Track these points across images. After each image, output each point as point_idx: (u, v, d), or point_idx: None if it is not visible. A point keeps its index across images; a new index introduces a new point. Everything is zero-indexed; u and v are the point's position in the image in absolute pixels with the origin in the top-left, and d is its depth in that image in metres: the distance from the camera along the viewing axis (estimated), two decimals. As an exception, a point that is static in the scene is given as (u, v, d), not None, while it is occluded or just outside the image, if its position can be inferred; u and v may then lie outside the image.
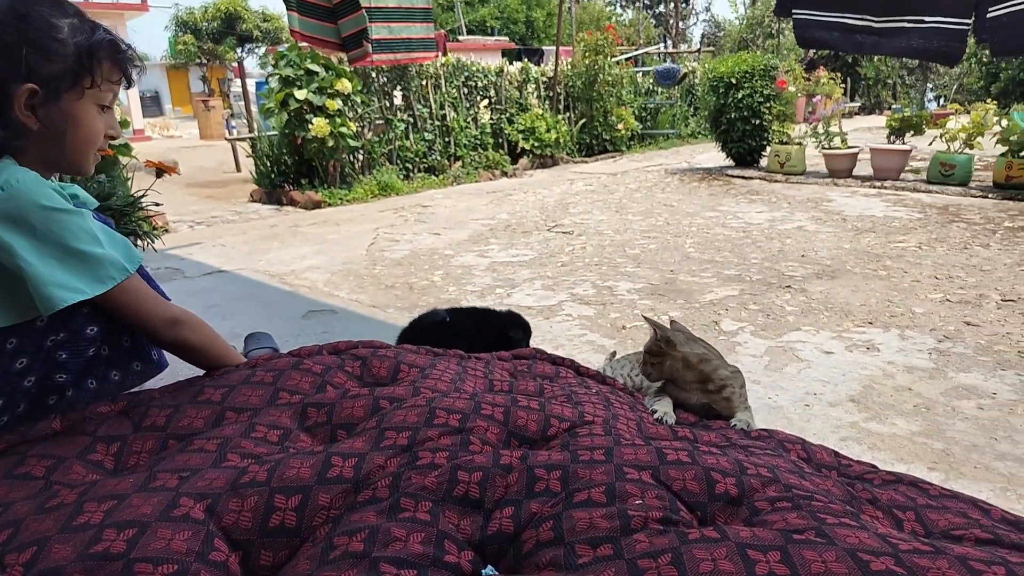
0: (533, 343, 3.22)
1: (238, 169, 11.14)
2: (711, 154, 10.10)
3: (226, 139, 12.35)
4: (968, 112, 8.41)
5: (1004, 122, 6.92)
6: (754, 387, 2.69)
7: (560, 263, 4.67)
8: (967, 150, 7.15)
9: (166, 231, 6.00)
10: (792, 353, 2.99)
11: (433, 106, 9.07)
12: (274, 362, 1.66)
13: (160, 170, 3.11)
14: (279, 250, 5.27)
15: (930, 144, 7.74)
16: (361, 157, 8.26)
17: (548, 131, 10.25)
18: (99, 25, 1.49)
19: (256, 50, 34.27)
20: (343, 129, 7.29)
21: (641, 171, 9.54)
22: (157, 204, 4.18)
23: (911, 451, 2.14)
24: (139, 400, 1.49)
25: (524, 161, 10.05)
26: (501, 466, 1.25)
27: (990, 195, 6.59)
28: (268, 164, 8.06)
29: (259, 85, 15.28)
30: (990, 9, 6.44)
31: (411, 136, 8.84)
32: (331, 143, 7.25)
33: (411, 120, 8.87)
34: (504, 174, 9.41)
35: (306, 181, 7.74)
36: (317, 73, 7.19)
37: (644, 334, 3.30)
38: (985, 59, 19.20)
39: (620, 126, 11.63)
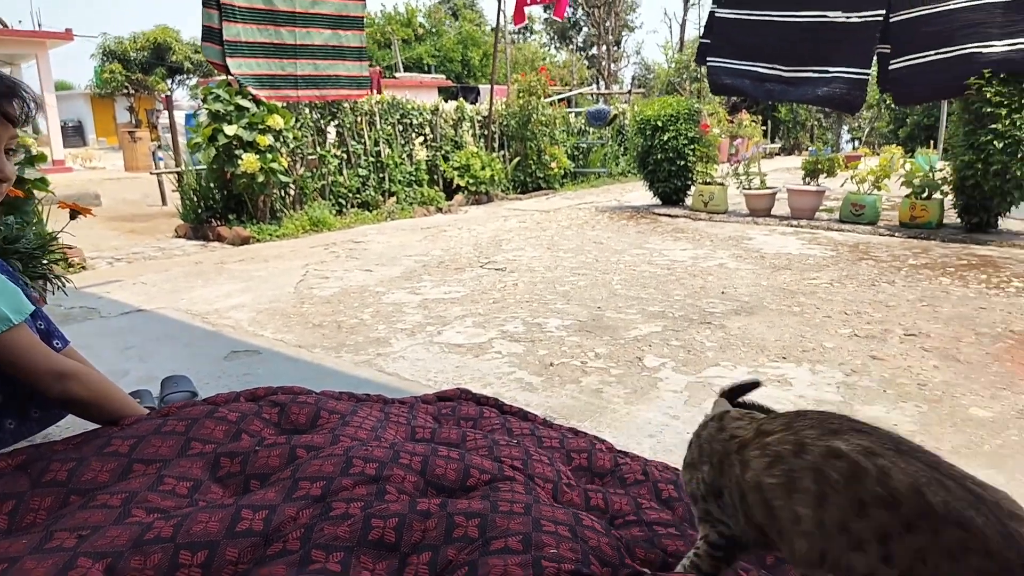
0: (462, 382, 3.25)
1: (164, 203, 10.83)
2: (640, 193, 10.43)
3: (151, 172, 12.00)
4: (877, 155, 8.97)
5: (908, 165, 7.42)
6: (674, 423, 2.77)
7: (492, 300, 4.71)
8: (875, 191, 7.61)
9: (83, 268, 5.76)
10: (711, 388, 3.09)
11: (368, 142, 9.08)
12: (187, 410, 1.63)
13: (75, 212, 3.01)
14: (203, 288, 5.13)
15: (842, 185, 8.21)
16: (292, 192, 8.17)
17: (483, 168, 10.38)
18: None
19: (187, 81, 33.62)
20: (274, 165, 7.21)
21: (573, 208, 9.75)
22: (70, 247, 4.02)
23: (819, 483, 2.24)
24: (39, 453, 1.43)
25: (459, 197, 10.14)
26: (419, 512, 1.26)
27: (896, 234, 7.02)
28: (195, 198, 7.87)
29: (188, 118, 14.97)
30: (891, 62, 6.98)
31: (345, 172, 8.82)
32: (261, 178, 7.15)
33: (345, 156, 8.85)
34: (439, 210, 9.46)
35: (234, 216, 7.59)
36: (248, 109, 7.11)
37: (571, 371, 3.36)
38: (894, 106, 20.60)
39: (553, 164, 11.88)
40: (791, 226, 7.67)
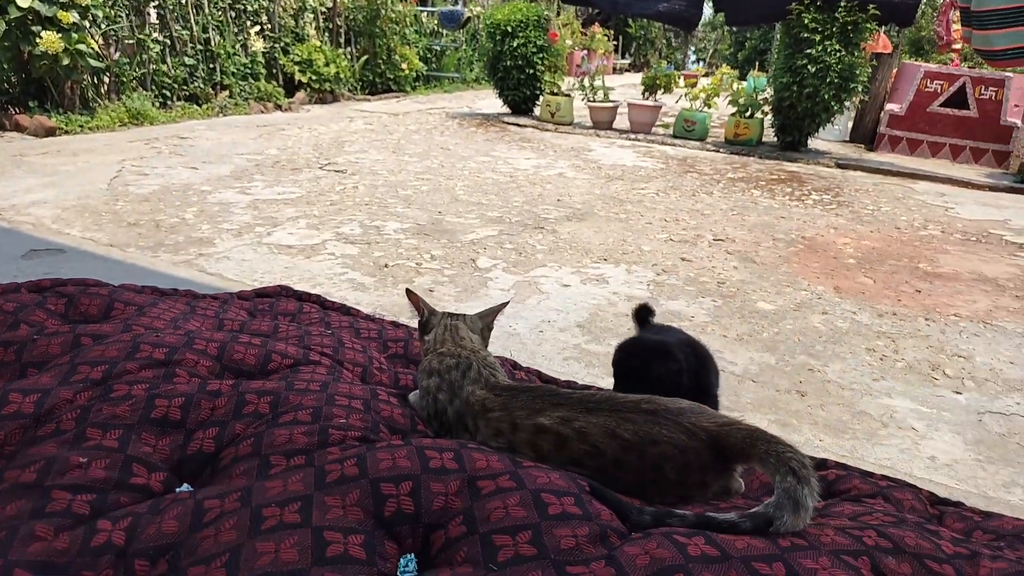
0: (291, 282, 3.19)
1: (-53, 85, 9.33)
2: (492, 100, 10.35)
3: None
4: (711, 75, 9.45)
5: (735, 86, 7.90)
6: (499, 319, 2.91)
7: (329, 202, 4.59)
8: (706, 109, 8.07)
9: None
10: (535, 287, 3.26)
11: (195, 28, 8.24)
12: (-47, 302, 1.50)
13: None
14: (-3, 182, 4.58)
15: (676, 102, 8.62)
16: (107, 80, 7.32)
17: (327, 65, 9.81)
18: None
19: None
20: (81, 46, 6.39)
21: (423, 113, 9.54)
22: None
23: (619, 367, 2.47)
24: None
25: (301, 95, 9.56)
26: (208, 392, 1.26)
27: (721, 150, 7.55)
28: (-15, 81, 6.84)
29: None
30: (726, -18, 7.28)
31: (169, 60, 7.99)
32: (66, 61, 6.33)
33: (168, 42, 8.00)
34: (278, 107, 8.89)
35: (36, 104, 6.71)
36: (44, -23, 6.18)
37: (406, 272, 3.40)
38: (735, 29, 21.61)
39: (404, 66, 11.45)
40: (629, 139, 8.00)
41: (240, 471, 1.08)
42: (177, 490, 1.08)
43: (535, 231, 4.18)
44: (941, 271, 3.92)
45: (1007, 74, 7.29)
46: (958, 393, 2.52)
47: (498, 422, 1.25)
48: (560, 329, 2.78)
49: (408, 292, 1.64)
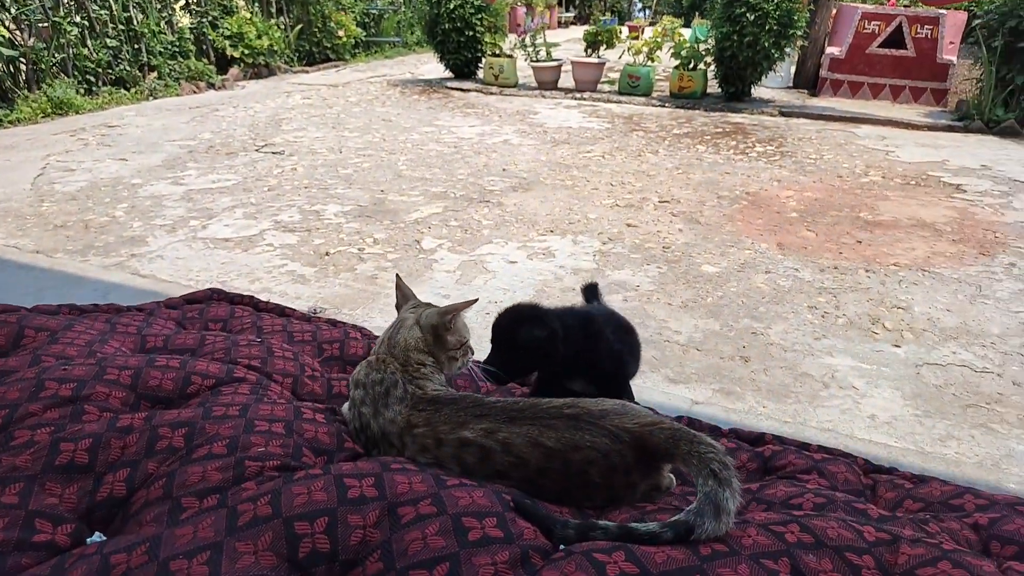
0: (228, 279, 3.10)
1: None
2: (434, 65, 10.11)
3: None
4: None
5: (676, 37, 7.80)
6: (444, 302, 2.87)
7: (267, 187, 4.45)
8: (649, 63, 7.98)
9: None
10: (482, 265, 3.22)
11: (114, 7, 7.82)
12: None
13: None
14: (-92, 189, 4.33)
15: (619, 57, 8.51)
16: (24, 68, 6.93)
17: (259, 37, 9.44)
18: None
19: None
20: (-10, 34, 6.03)
21: (364, 82, 9.28)
22: None
23: (565, 346, 2.46)
24: None
25: (235, 71, 9.21)
26: (118, 429, 1.21)
27: (667, 104, 7.51)
28: None
29: None
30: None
31: (89, 42, 7.59)
32: (-25, 51, 5.98)
33: (87, 23, 7.58)
34: (211, 86, 8.55)
35: (-52, 99, 6.34)
36: (-60, -39, 5.78)
37: (347, 259, 3.33)
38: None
39: (341, 33, 11.08)
40: (575, 99, 7.90)
41: (150, 517, 1.03)
42: (88, 540, 1.04)
43: (480, 205, 4.12)
44: (881, 219, 3.99)
45: (941, 11, 7.35)
46: (897, 347, 2.57)
47: (423, 438, 1.23)
48: (505, 310, 2.76)
49: (397, 278, 1.62)
